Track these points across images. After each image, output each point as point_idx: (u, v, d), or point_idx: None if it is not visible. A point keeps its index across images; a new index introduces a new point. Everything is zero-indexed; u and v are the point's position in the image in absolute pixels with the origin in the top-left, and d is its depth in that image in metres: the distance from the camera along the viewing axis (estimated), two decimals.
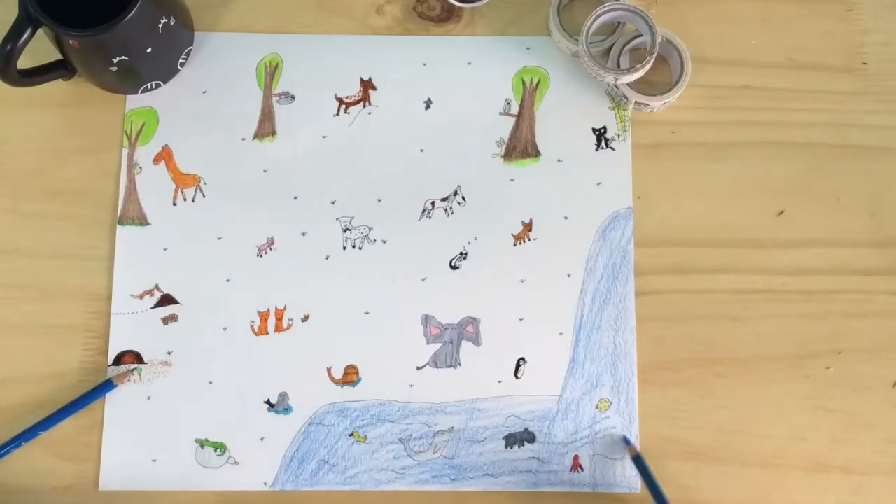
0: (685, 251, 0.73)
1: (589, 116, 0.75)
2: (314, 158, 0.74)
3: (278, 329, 0.72)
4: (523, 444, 0.70)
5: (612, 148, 0.74)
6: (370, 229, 0.73)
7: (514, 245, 0.73)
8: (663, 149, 0.74)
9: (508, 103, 0.75)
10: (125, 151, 0.74)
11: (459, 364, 0.71)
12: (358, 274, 0.72)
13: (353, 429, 0.70)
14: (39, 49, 0.69)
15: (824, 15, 0.76)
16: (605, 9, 0.73)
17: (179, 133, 0.74)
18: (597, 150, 0.74)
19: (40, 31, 0.66)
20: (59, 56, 0.71)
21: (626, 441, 0.69)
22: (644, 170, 0.74)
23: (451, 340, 0.72)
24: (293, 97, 0.75)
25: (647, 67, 0.72)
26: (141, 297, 0.72)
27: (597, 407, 0.71)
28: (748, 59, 0.75)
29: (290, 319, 0.72)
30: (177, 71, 0.75)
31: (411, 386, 0.71)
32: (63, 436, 0.70)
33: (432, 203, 0.74)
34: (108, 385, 0.69)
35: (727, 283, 0.72)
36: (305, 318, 0.72)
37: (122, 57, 0.69)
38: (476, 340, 0.72)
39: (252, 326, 0.72)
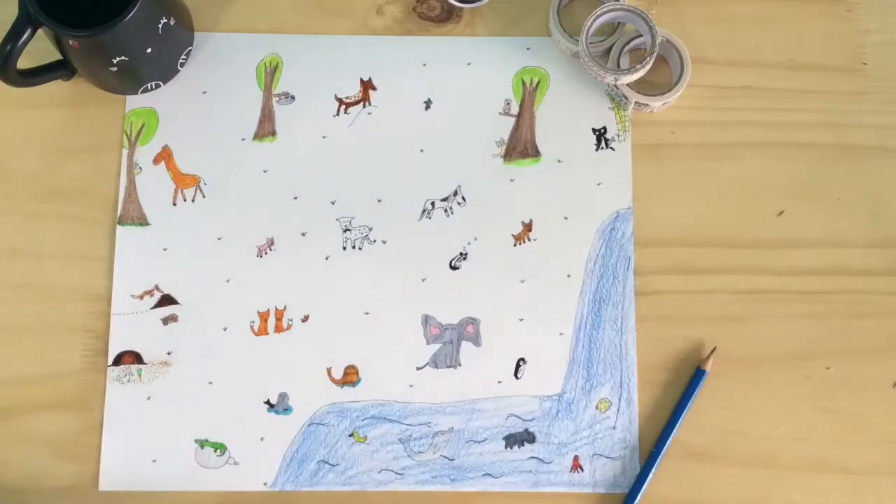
0: (685, 251, 0.73)
1: (589, 116, 0.75)
2: (314, 158, 0.74)
3: (278, 329, 0.72)
4: (523, 444, 0.70)
5: (612, 148, 0.74)
6: (370, 229, 0.73)
7: (514, 245, 0.73)
8: (663, 149, 0.74)
9: (508, 103, 0.75)
10: (125, 151, 0.74)
11: (459, 364, 0.71)
12: (358, 274, 0.72)
13: (353, 429, 0.70)
14: (39, 49, 0.69)
15: (824, 15, 0.76)
16: (605, 9, 0.73)
17: (179, 133, 0.74)
18: (597, 150, 0.74)
19: (40, 31, 0.66)
20: (59, 56, 0.71)
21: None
22: (644, 170, 0.74)
23: (451, 340, 0.72)
24: (293, 97, 0.75)
25: (647, 67, 0.72)
26: (141, 297, 0.72)
27: (597, 407, 0.71)
28: (748, 59, 0.75)
29: (290, 319, 0.72)
30: (177, 71, 0.75)
31: (411, 386, 0.71)
32: (63, 436, 0.70)
33: (432, 203, 0.74)
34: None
35: (727, 283, 0.72)
36: (305, 319, 0.72)
37: (122, 57, 0.69)
38: (476, 340, 0.72)
39: (252, 326, 0.72)
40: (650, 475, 0.69)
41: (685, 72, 0.73)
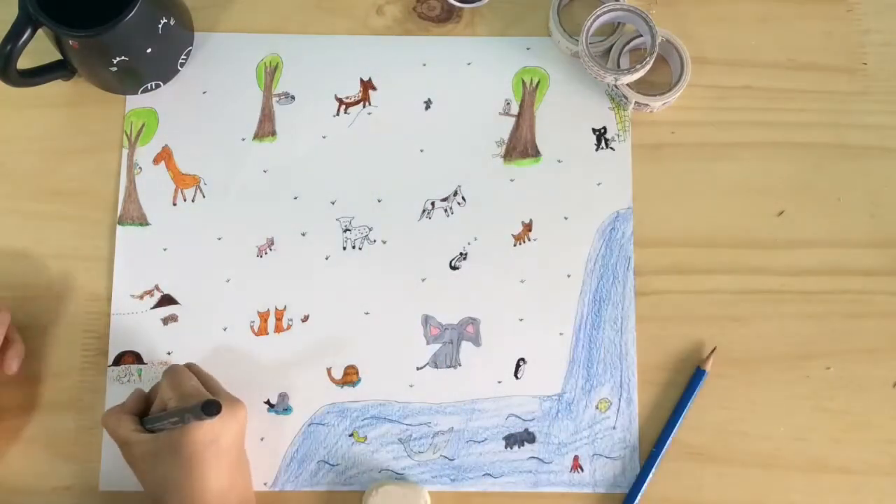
0: (685, 251, 0.73)
1: (589, 116, 0.75)
2: (314, 158, 0.74)
3: (278, 329, 0.72)
4: (523, 444, 0.70)
5: (612, 148, 0.74)
6: (370, 229, 0.73)
7: (514, 245, 0.73)
8: (663, 149, 0.74)
9: (508, 103, 0.75)
10: (125, 151, 0.74)
11: (459, 364, 0.71)
12: (358, 274, 0.72)
13: (353, 429, 0.70)
14: (39, 49, 0.69)
15: (824, 15, 0.76)
16: (605, 9, 0.73)
17: (179, 133, 0.74)
18: (597, 150, 0.74)
19: (40, 31, 0.66)
20: (59, 56, 0.71)
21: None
22: (644, 170, 0.74)
23: (451, 340, 0.72)
24: (293, 97, 0.75)
25: (647, 67, 0.72)
26: (141, 297, 0.72)
27: (597, 407, 0.71)
28: (748, 59, 0.75)
29: (290, 319, 0.72)
30: (177, 71, 0.75)
31: (411, 386, 0.71)
32: (63, 436, 0.70)
33: (432, 203, 0.74)
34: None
35: (727, 283, 0.72)
36: (305, 319, 0.72)
37: (122, 57, 0.69)
38: (476, 340, 0.72)
39: (252, 326, 0.72)
40: (650, 475, 0.69)
41: (685, 72, 0.73)
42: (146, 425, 0.65)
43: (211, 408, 0.56)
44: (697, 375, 0.70)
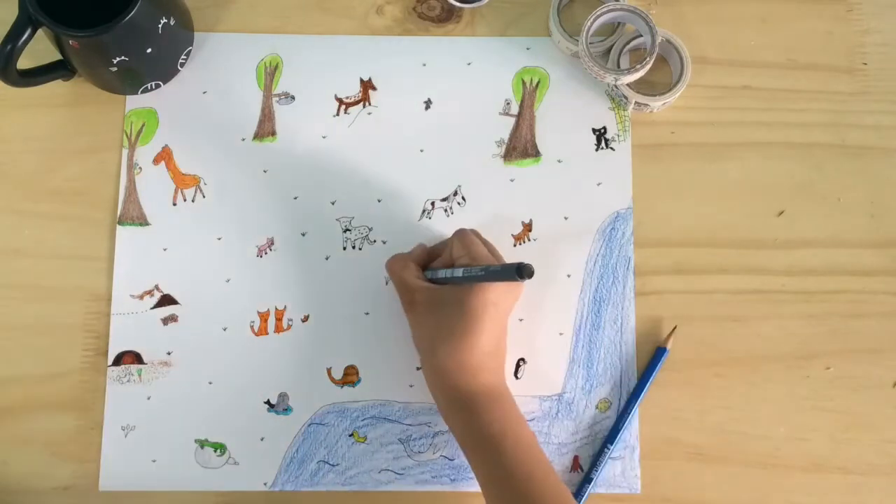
0: (685, 251, 0.73)
1: (589, 116, 0.75)
2: (314, 158, 0.74)
3: (278, 329, 0.72)
4: None
5: (612, 148, 0.74)
6: (370, 229, 0.73)
7: (514, 245, 0.73)
8: (663, 149, 0.74)
9: (508, 103, 0.75)
10: (125, 151, 0.74)
11: None
12: (358, 274, 0.72)
13: (353, 429, 0.70)
14: (39, 49, 0.69)
15: (824, 15, 0.76)
16: (605, 9, 0.73)
17: (179, 133, 0.74)
18: (597, 150, 0.74)
19: (40, 31, 0.66)
20: (59, 56, 0.71)
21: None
22: (644, 170, 0.74)
23: None
24: (293, 97, 0.75)
25: (647, 67, 0.72)
26: (141, 297, 0.72)
27: (597, 407, 0.71)
28: (748, 59, 0.76)
29: (290, 319, 0.72)
30: (177, 71, 0.75)
31: (411, 386, 0.71)
32: (63, 436, 0.70)
33: (432, 203, 0.74)
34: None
35: (727, 283, 0.72)
36: (305, 319, 0.72)
37: (122, 57, 0.69)
38: None
39: (252, 326, 0.72)
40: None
41: (685, 72, 0.73)
42: (429, 276, 0.68)
43: (524, 270, 0.58)
44: (658, 354, 0.70)
